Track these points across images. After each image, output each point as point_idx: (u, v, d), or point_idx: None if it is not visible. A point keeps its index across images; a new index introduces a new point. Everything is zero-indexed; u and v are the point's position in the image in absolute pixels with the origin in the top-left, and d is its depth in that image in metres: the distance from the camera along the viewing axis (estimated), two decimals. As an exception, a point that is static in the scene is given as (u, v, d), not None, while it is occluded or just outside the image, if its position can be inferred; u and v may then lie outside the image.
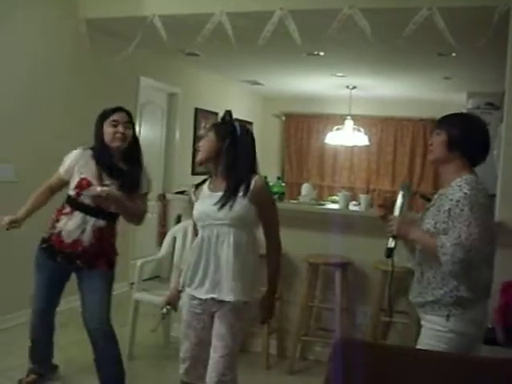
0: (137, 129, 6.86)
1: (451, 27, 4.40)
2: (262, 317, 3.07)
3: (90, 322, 3.49)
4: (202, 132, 8.55)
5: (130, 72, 6.71)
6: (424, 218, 2.71)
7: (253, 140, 3.20)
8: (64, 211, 3.47)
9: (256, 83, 9.46)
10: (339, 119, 9.67)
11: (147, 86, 7.10)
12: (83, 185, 3.40)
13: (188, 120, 8.29)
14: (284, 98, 10.78)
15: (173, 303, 3.16)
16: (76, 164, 3.50)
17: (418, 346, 2.63)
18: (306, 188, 6.28)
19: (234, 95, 9.75)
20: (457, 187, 2.52)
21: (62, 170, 3.58)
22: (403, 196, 2.74)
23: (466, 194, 2.48)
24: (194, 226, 3.08)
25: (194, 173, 8.35)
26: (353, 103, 9.30)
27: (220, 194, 2.90)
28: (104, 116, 3.49)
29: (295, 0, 4.83)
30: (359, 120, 9.67)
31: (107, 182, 3.43)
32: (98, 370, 3.54)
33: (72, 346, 4.44)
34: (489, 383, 2.19)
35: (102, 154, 3.48)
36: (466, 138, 2.64)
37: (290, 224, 4.84)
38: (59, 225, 3.45)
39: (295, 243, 4.77)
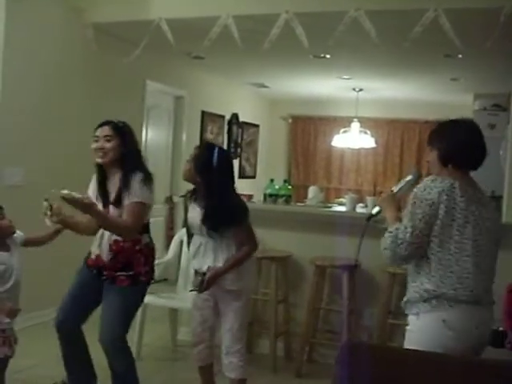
0: (143, 132, 6.97)
1: (458, 29, 4.40)
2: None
3: (101, 336, 3.40)
4: (208, 135, 8.59)
5: (137, 75, 6.73)
6: None
7: (230, 164, 3.60)
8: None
9: (262, 86, 9.47)
10: (346, 121, 9.66)
11: (154, 89, 7.12)
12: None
13: (195, 123, 8.31)
14: (290, 100, 10.79)
15: None
16: (92, 189, 3.53)
17: None
18: (312, 191, 6.27)
19: (240, 98, 9.76)
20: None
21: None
22: (409, 180, 2.79)
23: (415, 192, 2.54)
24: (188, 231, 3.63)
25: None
26: (359, 105, 9.29)
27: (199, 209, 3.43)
28: (94, 132, 3.46)
29: (301, 3, 4.84)
30: (366, 122, 9.66)
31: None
32: (112, 381, 3.52)
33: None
34: (496, 385, 2.19)
35: (97, 172, 3.49)
36: (455, 149, 2.64)
37: (296, 227, 4.87)
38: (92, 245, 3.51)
39: (302, 246, 4.79)
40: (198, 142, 8.27)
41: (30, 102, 5.23)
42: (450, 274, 2.50)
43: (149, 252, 3.47)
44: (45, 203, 3.18)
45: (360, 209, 5.44)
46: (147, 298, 4.59)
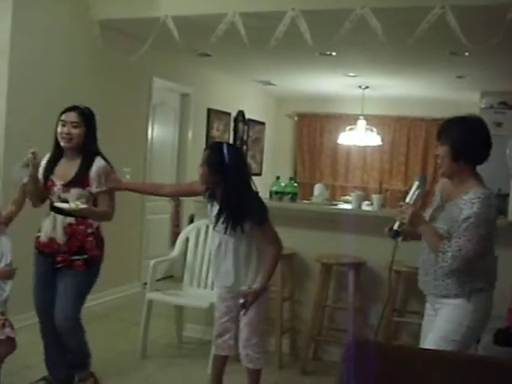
0: (149, 129, 6.97)
1: (464, 26, 4.39)
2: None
3: (57, 317, 3.57)
4: (214, 132, 8.59)
5: (143, 73, 6.73)
6: (435, 221, 2.86)
7: (243, 159, 3.62)
8: (46, 212, 3.66)
9: (268, 83, 9.46)
10: (352, 119, 9.65)
11: (160, 86, 7.13)
12: (47, 186, 3.62)
13: (201, 120, 8.31)
14: (296, 98, 10.78)
15: None
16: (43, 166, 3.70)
17: (436, 331, 2.82)
18: (318, 188, 6.26)
19: (246, 96, 9.76)
20: (469, 203, 2.69)
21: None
22: (418, 186, 2.85)
23: (476, 212, 2.67)
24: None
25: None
26: (365, 103, 9.28)
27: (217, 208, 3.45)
28: (59, 116, 3.65)
29: (307, 0, 4.83)
30: (372, 120, 9.64)
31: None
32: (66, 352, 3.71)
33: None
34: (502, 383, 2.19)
35: (53, 154, 3.70)
36: (467, 145, 2.75)
37: (302, 224, 4.87)
38: (41, 227, 3.64)
39: (308, 243, 4.79)
40: (204, 140, 8.30)
41: (37, 99, 5.24)
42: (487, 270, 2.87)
43: (100, 234, 3.67)
44: (30, 155, 3.50)
45: (366, 206, 5.44)
46: (153, 295, 4.63)
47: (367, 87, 9.00)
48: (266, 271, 3.45)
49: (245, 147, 9.74)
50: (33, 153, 3.48)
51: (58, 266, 3.56)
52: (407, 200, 2.84)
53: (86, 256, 3.57)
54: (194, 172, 7.94)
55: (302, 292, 4.88)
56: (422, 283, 2.98)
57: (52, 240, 3.55)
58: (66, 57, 5.53)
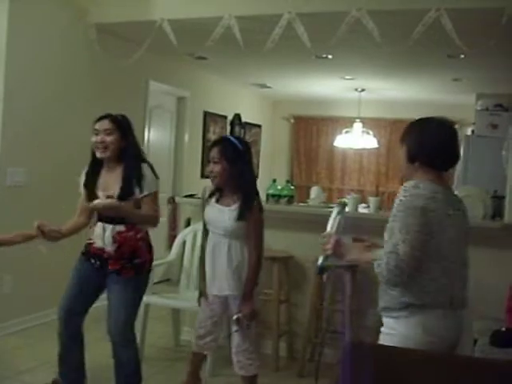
0: (145, 132, 6.97)
1: (460, 29, 4.40)
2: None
3: (111, 327, 3.47)
4: (210, 135, 8.58)
5: (140, 76, 6.74)
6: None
7: (249, 148, 3.59)
8: (91, 225, 3.59)
9: (265, 86, 9.47)
10: (348, 122, 9.66)
11: (156, 89, 7.13)
12: (90, 199, 3.49)
13: (197, 123, 8.31)
14: (293, 100, 10.80)
15: None
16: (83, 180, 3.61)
17: None
18: (315, 191, 6.26)
19: (242, 98, 9.77)
20: (398, 197, 2.46)
21: (80, 189, 3.63)
22: (338, 212, 2.74)
23: (400, 200, 2.42)
24: (205, 226, 3.61)
25: (203, 176, 8.37)
26: (362, 106, 9.30)
27: (228, 207, 3.43)
28: (93, 125, 3.53)
29: (303, 3, 4.84)
30: (368, 122, 9.66)
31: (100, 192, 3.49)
32: (115, 371, 3.57)
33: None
34: (499, 385, 2.19)
35: (91, 165, 3.56)
36: (421, 146, 2.53)
37: (299, 227, 4.87)
38: (91, 238, 3.55)
39: (304, 246, 4.78)
40: (200, 143, 8.32)
41: (33, 102, 5.23)
42: (431, 283, 2.43)
43: (148, 239, 3.61)
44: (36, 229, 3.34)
45: (362, 209, 5.44)
46: (150, 298, 4.62)
47: (363, 90, 9.02)
48: (249, 280, 3.43)
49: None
50: (38, 226, 3.33)
51: (109, 270, 3.45)
52: (328, 229, 2.68)
53: (137, 261, 3.48)
54: (189, 175, 7.97)
55: (299, 294, 4.88)
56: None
57: (101, 250, 3.47)
58: (62, 60, 5.53)
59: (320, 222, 2.83)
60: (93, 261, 3.52)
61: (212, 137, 8.67)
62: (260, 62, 7.38)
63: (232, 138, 3.50)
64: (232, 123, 9.32)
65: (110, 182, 3.46)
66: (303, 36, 4.77)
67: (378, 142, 9.72)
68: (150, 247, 3.61)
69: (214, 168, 3.39)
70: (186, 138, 7.95)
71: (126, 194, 3.40)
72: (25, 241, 3.44)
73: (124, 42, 6.01)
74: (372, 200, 5.14)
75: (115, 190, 3.42)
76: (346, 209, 2.87)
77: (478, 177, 6.25)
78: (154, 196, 3.51)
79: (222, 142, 3.51)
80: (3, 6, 4.90)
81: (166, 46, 5.36)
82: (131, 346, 3.54)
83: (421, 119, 2.65)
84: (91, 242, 3.54)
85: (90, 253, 3.54)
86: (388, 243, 2.42)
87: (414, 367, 2.27)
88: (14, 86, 5.02)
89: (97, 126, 3.47)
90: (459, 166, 6.93)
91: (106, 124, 3.46)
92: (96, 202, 3.37)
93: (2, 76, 4.94)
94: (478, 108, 7.47)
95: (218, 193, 3.51)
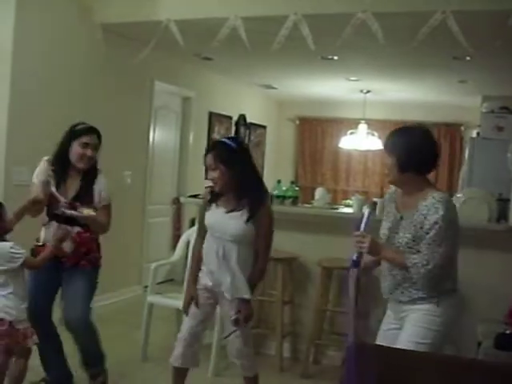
0: (151, 133, 6.99)
1: (466, 31, 4.39)
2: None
3: (69, 316, 3.59)
4: (215, 136, 8.59)
5: (145, 76, 6.74)
6: (397, 231, 2.87)
7: (246, 147, 3.57)
8: (44, 223, 3.66)
9: (270, 87, 9.47)
10: (353, 123, 9.66)
11: (162, 89, 7.14)
12: (53, 200, 3.58)
13: (202, 124, 8.32)
14: (298, 102, 10.79)
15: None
16: (44, 175, 3.67)
17: (405, 335, 2.82)
18: (319, 192, 6.27)
19: (248, 99, 9.77)
20: (433, 208, 2.71)
21: (36, 181, 3.67)
22: (369, 213, 2.87)
23: (443, 215, 2.69)
24: (201, 227, 3.50)
25: (207, 177, 8.36)
26: (367, 107, 9.29)
27: (236, 212, 3.30)
28: (75, 134, 3.65)
29: (309, 4, 4.84)
30: (373, 124, 9.65)
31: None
32: (80, 352, 3.72)
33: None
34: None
35: (59, 169, 3.67)
36: (413, 158, 2.80)
37: (303, 228, 4.87)
38: (41, 237, 3.64)
39: (309, 247, 4.78)
40: (205, 143, 8.30)
41: (38, 101, 5.25)
42: (455, 271, 2.87)
43: (98, 239, 3.77)
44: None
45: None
46: (153, 298, 4.63)
47: (369, 91, 9.01)
48: (255, 282, 3.41)
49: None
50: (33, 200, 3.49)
51: (65, 266, 3.60)
52: (361, 229, 2.82)
53: (91, 255, 3.66)
54: (194, 175, 7.98)
55: (303, 296, 4.87)
56: (385, 288, 2.98)
57: (58, 249, 3.53)
58: (68, 60, 5.54)
59: (324, 222, 2.86)
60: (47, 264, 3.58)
61: (217, 137, 8.67)
62: (266, 63, 7.38)
63: (225, 140, 3.39)
64: (237, 124, 9.32)
65: (71, 187, 3.65)
66: (308, 38, 4.76)
67: (383, 144, 9.68)
68: (99, 246, 3.77)
69: (213, 175, 3.33)
70: (191, 138, 7.96)
71: (81, 199, 3.60)
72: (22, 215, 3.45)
73: (130, 42, 6.01)
74: (377, 201, 5.13)
75: (71, 194, 3.61)
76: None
77: (483, 179, 6.22)
78: (109, 207, 3.74)
79: (214, 147, 3.42)
80: (10, 7, 4.91)
81: (171, 47, 5.37)
82: (92, 331, 3.69)
83: (403, 129, 2.97)
84: (40, 244, 3.62)
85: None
86: (424, 250, 2.73)
87: (418, 368, 2.27)
88: (19, 85, 5.03)
89: (87, 140, 3.63)
90: (464, 169, 6.92)
91: (95, 139, 3.67)
92: (86, 211, 3.54)
93: (9, 75, 4.95)
94: (484, 110, 7.45)
95: (217, 197, 3.41)
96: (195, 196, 5.40)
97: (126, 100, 6.34)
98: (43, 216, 3.65)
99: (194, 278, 3.48)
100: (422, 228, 2.73)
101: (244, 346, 3.40)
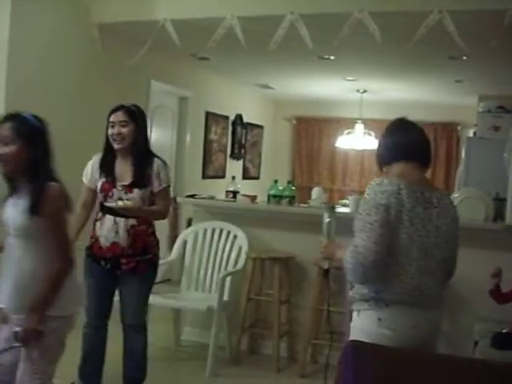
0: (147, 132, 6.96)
1: (462, 30, 4.40)
2: None
3: (126, 320, 3.59)
4: (212, 136, 8.59)
5: (142, 76, 6.74)
6: None
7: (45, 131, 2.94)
8: (97, 217, 3.57)
9: (267, 87, 9.47)
10: (350, 123, 9.66)
11: (158, 89, 7.13)
12: (105, 188, 3.51)
13: (199, 124, 8.31)
14: (295, 101, 10.79)
15: None
16: (93, 170, 3.60)
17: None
18: (316, 192, 6.26)
19: (244, 99, 9.77)
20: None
21: (85, 180, 3.64)
22: (329, 216, 2.81)
23: (365, 198, 2.47)
24: None
25: (204, 176, 8.37)
26: (363, 107, 9.29)
27: (20, 200, 2.62)
28: (107, 118, 3.58)
29: (306, 4, 4.84)
30: (370, 124, 9.64)
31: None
32: (124, 361, 3.69)
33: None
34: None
35: (104, 157, 3.59)
36: (377, 152, 2.79)
37: (300, 227, 4.87)
38: (96, 232, 3.53)
39: (305, 247, 4.78)
40: (201, 143, 8.31)
41: (35, 102, 5.21)
42: (393, 279, 2.43)
43: (156, 234, 3.65)
44: None
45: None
46: (151, 298, 4.61)
47: (365, 91, 9.02)
48: (44, 292, 2.51)
49: (243, 151, 9.75)
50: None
51: (123, 270, 3.50)
52: (324, 235, 2.78)
53: (149, 256, 3.56)
54: (191, 175, 7.96)
55: (300, 295, 4.87)
56: None
57: (115, 244, 3.46)
58: (65, 60, 5.53)
59: (321, 222, 2.85)
60: (103, 263, 3.53)
61: (214, 137, 8.67)
62: (262, 63, 7.38)
63: (23, 114, 2.81)
64: (234, 124, 9.32)
65: (125, 172, 3.51)
66: (306, 37, 4.76)
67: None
68: (158, 242, 3.67)
69: (4, 150, 2.60)
70: (188, 138, 7.95)
71: (138, 183, 3.47)
72: None
73: (126, 42, 6.01)
74: (334, 205, 5.13)
75: (128, 179, 3.48)
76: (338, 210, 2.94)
77: (479, 179, 6.22)
78: (167, 191, 3.63)
79: (7, 120, 2.71)
80: (5, 7, 4.89)
81: (168, 46, 5.36)
82: (145, 337, 3.68)
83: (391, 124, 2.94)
84: (94, 240, 3.54)
85: (96, 255, 3.54)
86: (353, 240, 2.44)
87: (415, 368, 2.28)
88: (16, 85, 5.02)
89: (112, 119, 3.53)
90: (461, 168, 6.92)
91: (120, 116, 3.53)
92: (120, 203, 3.39)
93: (4, 76, 4.94)
94: (480, 110, 7.45)
95: (14, 186, 2.66)
96: (192, 196, 5.40)
97: (122, 99, 6.23)
98: (98, 212, 3.59)
99: None
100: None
101: (30, 376, 2.54)
